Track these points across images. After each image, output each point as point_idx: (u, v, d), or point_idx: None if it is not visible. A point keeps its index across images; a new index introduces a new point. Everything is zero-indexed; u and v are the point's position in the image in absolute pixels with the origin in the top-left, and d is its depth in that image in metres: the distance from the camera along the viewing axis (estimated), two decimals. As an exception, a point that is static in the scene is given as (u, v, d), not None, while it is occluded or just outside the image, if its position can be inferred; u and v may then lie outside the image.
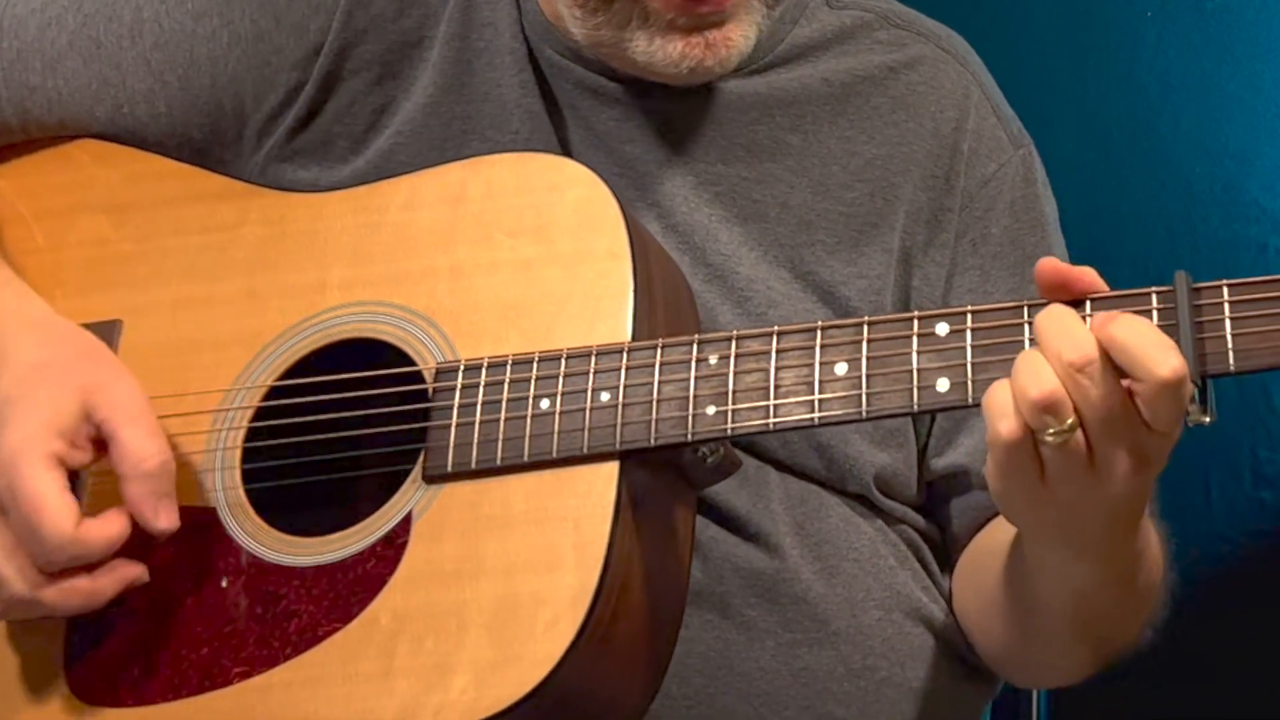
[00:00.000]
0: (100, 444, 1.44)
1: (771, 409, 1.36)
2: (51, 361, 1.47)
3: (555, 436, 1.39)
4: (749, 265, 1.57)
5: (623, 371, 1.39)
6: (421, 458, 1.42)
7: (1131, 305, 1.28)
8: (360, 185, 1.56)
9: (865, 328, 1.36)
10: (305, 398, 1.47)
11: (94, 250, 1.59)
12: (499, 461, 1.40)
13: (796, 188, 1.59)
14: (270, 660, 1.41)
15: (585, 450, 1.38)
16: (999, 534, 1.51)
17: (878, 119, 1.62)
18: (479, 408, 1.41)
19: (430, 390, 1.44)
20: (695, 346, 1.39)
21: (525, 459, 1.39)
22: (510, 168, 1.51)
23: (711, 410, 1.37)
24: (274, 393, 1.49)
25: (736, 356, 1.38)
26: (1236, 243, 2.53)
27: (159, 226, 1.58)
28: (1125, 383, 1.25)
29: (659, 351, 1.39)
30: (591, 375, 1.40)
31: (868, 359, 1.35)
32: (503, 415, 1.41)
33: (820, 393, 1.36)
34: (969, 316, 1.33)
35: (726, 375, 1.38)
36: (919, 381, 1.33)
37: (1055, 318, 1.27)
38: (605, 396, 1.39)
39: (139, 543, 1.47)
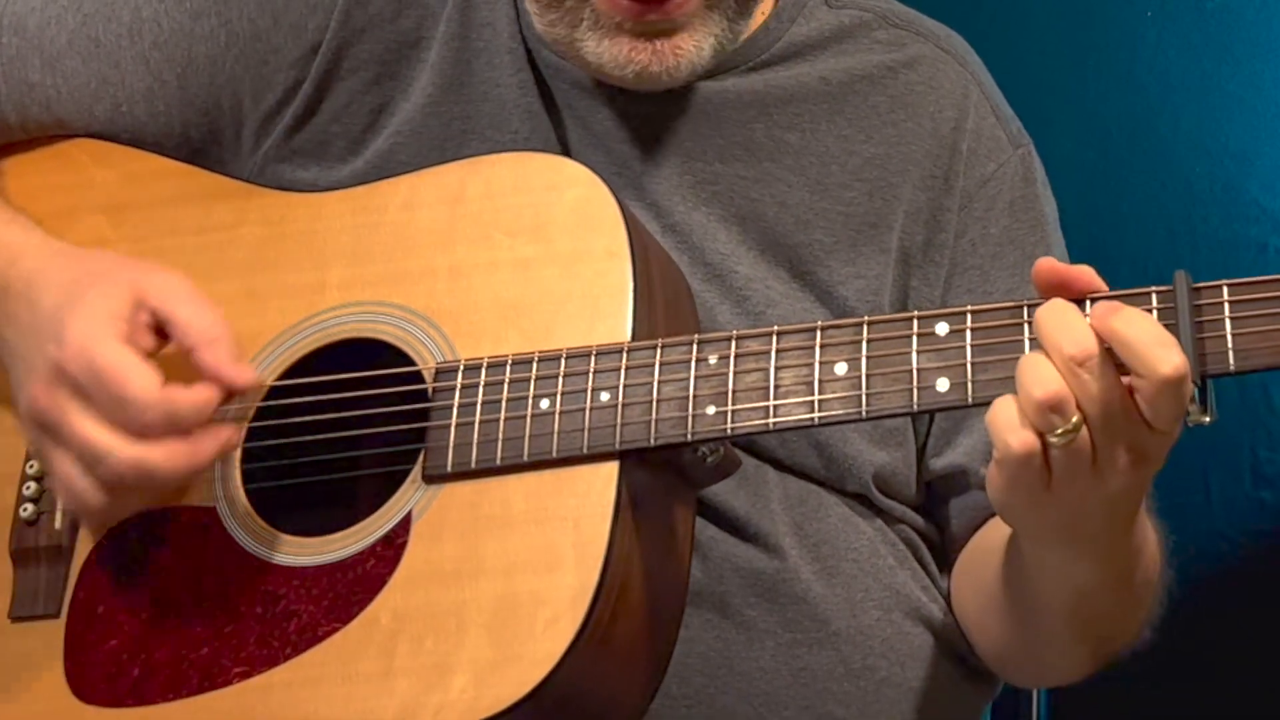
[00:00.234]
0: (160, 333, 1.44)
1: (771, 409, 1.36)
2: (92, 270, 1.47)
3: (555, 436, 1.39)
4: (747, 264, 1.57)
5: (622, 371, 1.39)
6: (421, 458, 1.42)
7: (1131, 305, 1.28)
8: (359, 185, 1.56)
9: (865, 328, 1.36)
10: (305, 398, 1.47)
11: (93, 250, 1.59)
12: (499, 461, 1.40)
13: (795, 187, 1.59)
14: (270, 660, 1.41)
15: (585, 450, 1.38)
16: (997, 533, 1.51)
17: (876, 118, 1.62)
18: (479, 408, 1.41)
19: (430, 390, 1.44)
20: (695, 346, 1.39)
21: (525, 459, 1.39)
22: (509, 167, 1.51)
23: (711, 410, 1.37)
24: (274, 393, 1.49)
25: (736, 356, 1.38)
26: (1236, 243, 2.53)
27: (157, 226, 1.58)
28: (1126, 380, 1.25)
29: (659, 351, 1.39)
30: (591, 375, 1.40)
31: (867, 359, 1.35)
32: (502, 415, 1.41)
33: (820, 393, 1.35)
34: (969, 316, 1.33)
35: (726, 375, 1.38)
36: (919, 381, 1.33)
37: (1055, 313, 1.27)
38: (605, 396, 1.39)
39: (140, 542, 1.47)
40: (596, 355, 1.40)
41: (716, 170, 1.59)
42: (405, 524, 1.41)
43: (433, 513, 1.41)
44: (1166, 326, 1.26)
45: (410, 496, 1.42)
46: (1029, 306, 1.31)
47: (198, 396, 1.41)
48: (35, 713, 1.46)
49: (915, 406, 1.33)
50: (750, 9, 1.55)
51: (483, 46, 1.62)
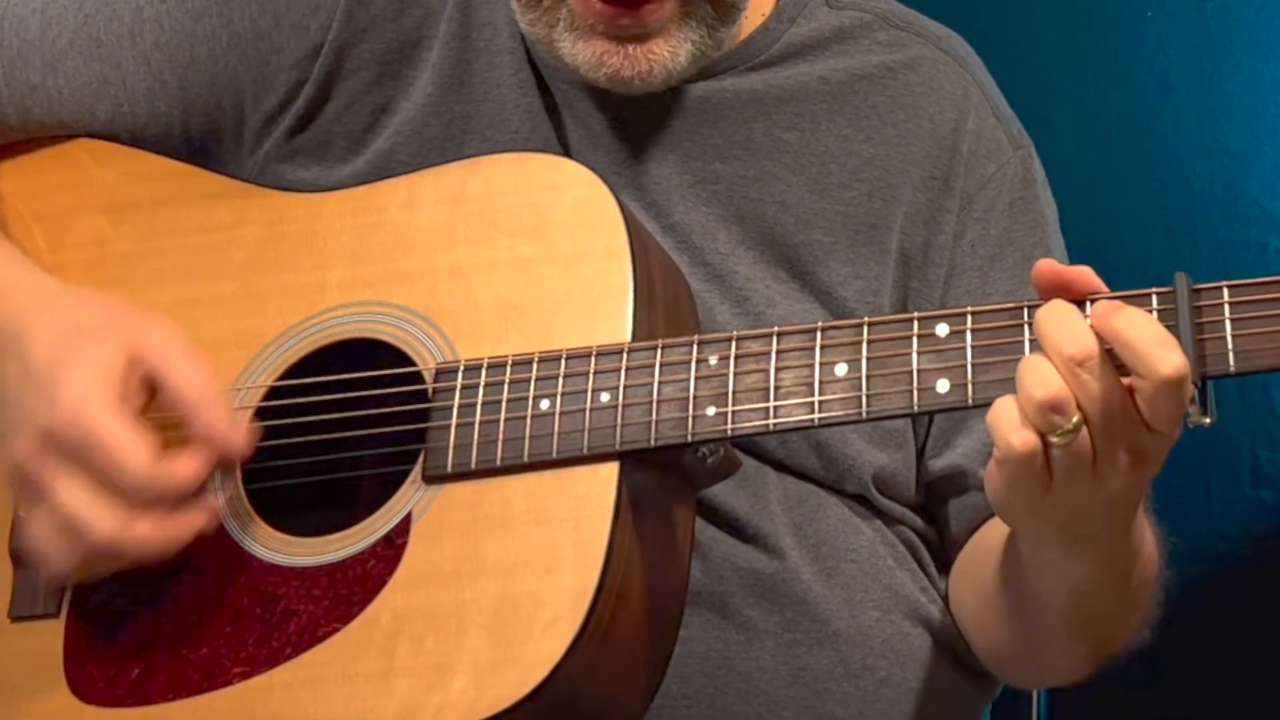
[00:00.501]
0: (151, 390, 1.44)
1: (771, 410, 1.36)
2: (86, 321, 1.46)
3: (555, 437, 1.39)
4: (747, 264, 1.57)
5: (622, 372, 1.39)
6: (421, 458, 1.42)
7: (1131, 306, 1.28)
8: (360, 185, 1.56)
9: (865, 328, 1.36)
10: (305, 398, 1.47)
11: (93, 250, 1.59)
12: (499, 462, 1.40)
13: (794, 186, 1.59)
14: (270, 660, 1.41)
15: (585, 451, 1.38)
16: (996, 533, 1.51)
17: (876, 119, 1.62)
18: (479, 408, 1.41)
19: (430, 390, 1.44)
20: (695, 347, 1.39)
21: (525, 459, 1.39)
22: (509, 167, 1.51)
23: (711, 411, 1.37)
24: (274, 393, 1.49)
25: (736, 357, 1.38)
26: (1236, 243, 2.53)
27: (158, 227, 1.58)
28: (1126, 380, 1.25)
29: (659, 352, 1.39)
30: (591, 376, 1.40)
31: (868, 360, 1.35)
32: (502, 416, 1.41)
33: (820, 394, 1.35)
34: (969, 317, 1.33)
35: (726, 376, 1.38)
36: (919, 383, 1.33)
37: (1055, 313, 1.27)
38: (605, 397, 1.39)
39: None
40: (597, 356, 1.40)
41: (716, 170, 1.59)
42: (405, 524, 1.41)
43: (433, 513, 1.41)
44: (1167, 328, 1.26)
45: (410, 497, 1.42)
46: (1029, 308, 1.31)
47: (188, 470, 1.41)
48: (35, 713, 1.46)
49: (915, 407, 1.33)
50: (734, 16, 1.55)
51: (483, 46, 1.62)
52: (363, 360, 1.47)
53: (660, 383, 1.39)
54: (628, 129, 1.60)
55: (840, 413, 1.35)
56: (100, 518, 1.39)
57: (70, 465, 1.40)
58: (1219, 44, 2.56)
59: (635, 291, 1.42)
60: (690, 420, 1.37)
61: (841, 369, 1.35)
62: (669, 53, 1.52)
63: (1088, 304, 1.29)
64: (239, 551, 1.45)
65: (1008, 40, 2.44)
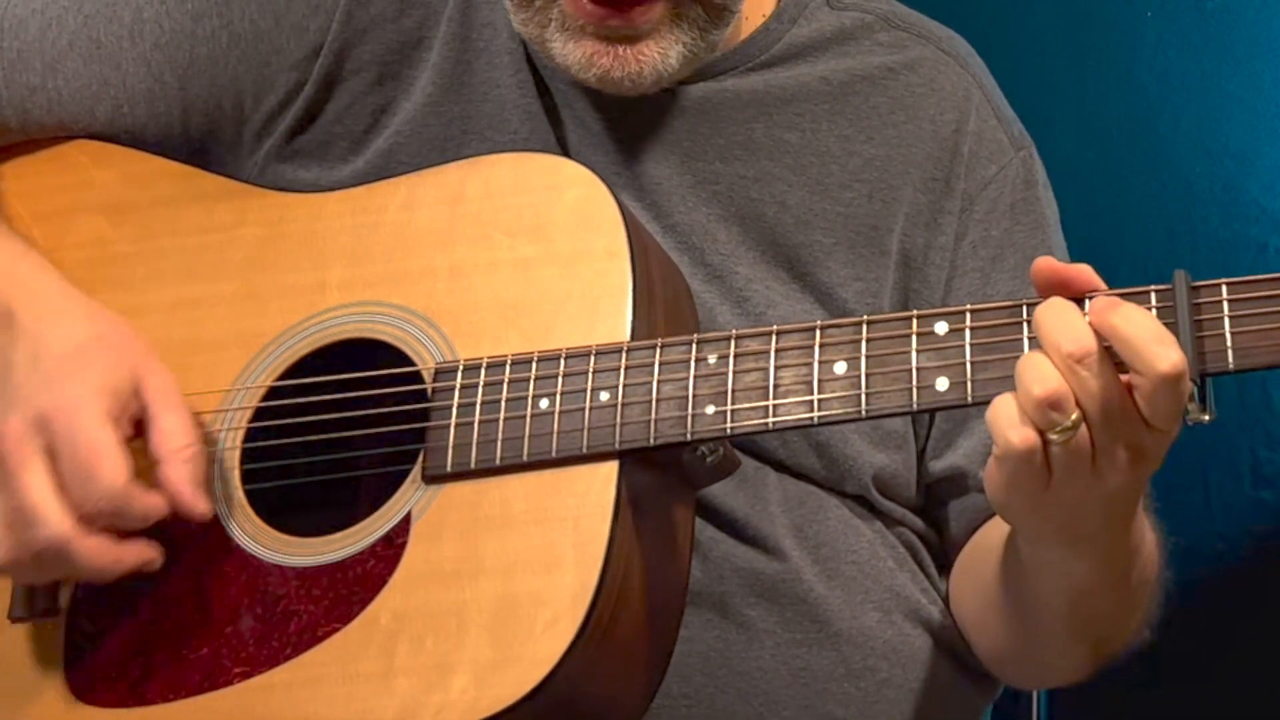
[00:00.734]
0: (138, 426, 1.45)
1: (771, 409, 1.36)
2: (105, 336, 1.47)
3: (554, 436, 1.39)
4: (747, 265, 1.57)
5: (622, 371, 1.39)
6: (421, 458, 1.42)
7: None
8: (359, 185, 1.56)
9: (864, 327, 1.36)
10: (304, 398, 1.47)
11: (93, 251, 1.59)
12: (498, 461, 1.40)
13: (795, 186, 1.59)
14: (270, 660, 1.41)
15: (584, 450, 1.38)
16: (996, 534, 1.51)
17: (877, 119, 1.62)
18: (478, 408, 1.41)
19: (429, 390, 1.44)
20: (694, 346, 1.39)
21: (524, 459, 1.39)
22: (509, 167, 1.51)
23: (711, 410, 1.37)
24: (273, 393, 1.49)
25: (736, 356, 1.38)
26: (1236, 243, 2.53)
27: (157, 227, 1.58)
28: (1125, 377, 1.25)
29: (658, 351, 1.39)
30: (591, 375, 1.40)
31: (867, 358, 1.35)
32: (502, 415, 1.41)
33: (819, 392, 1.36)
34: (968, 316, 1.33)
35: (726, 375, 1.38)
36: (918, 381, 1.33)
37: (1054, 310, 1.27)
38: (604, 396, 1.39)
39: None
40: (596, 355, 1.40)
41: (716, 170, 1.59)
42: (405, 524, 1.41)
43: (432, 513, 1.41)
44: (1166, 325, 1.26)
45: (410, 496, 1.42)
46: (1028, 306, 1.31)
47: (150, 504, 1.41)
48: (35, 713, 1.46)
49: (915, 406, 1.33)
50: (726, 19, 1.55)
51: (483, 47, 1.62)
52: (362, 360, 1.48)
53: (659, 382, 1.39)
54: (627, 129, 1.60)
55: (840, 411, 1.35)
56: (57, 516, 1.40)
57: (45, 458, 1.41)
58: (1219, 44, 2.56)
59: (635, 291, 1.42)
60: (690, 419, 1.37)
61: (841, 367, 1.35)
62: (659, 54, 1.52)
63: (1086, 301, 1.29)
64: (239, 551, 1.45)
65: (1008, 40, 2.44)
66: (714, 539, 1.53)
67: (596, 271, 1.44)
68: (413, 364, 1.45)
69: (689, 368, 1.38)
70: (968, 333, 1.33)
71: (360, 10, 1.63)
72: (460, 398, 1.42)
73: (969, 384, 1.32)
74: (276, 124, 1.64)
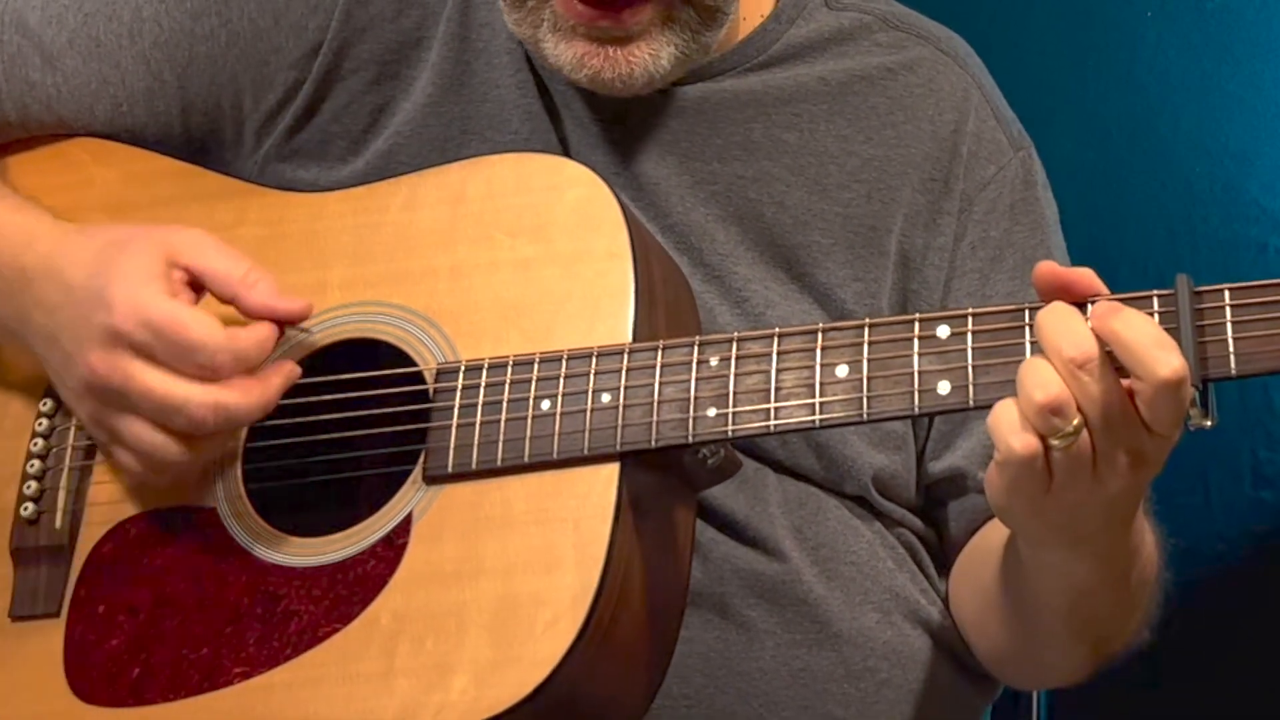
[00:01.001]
0: (195, 290, 1.46)
1: (772, 411, 1.36)
2: (115, 239, 1.48)
3: (556, 438, 1.39)
4: (746, 265, 1.57)
5: (623, 373, 1.39)
6: (422, 458, 1.42)
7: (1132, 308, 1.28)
8: (360, 185, 1.56)
9: (866, 330, 1.36)
10: (306, 398, 1.47)
11: (94, 250, 1.59)
12: (499, 462, 1.40)
13: (793, 187, 1.59)
14: (271, 660, 1.41)
15: (586, 451, 1.38)
16: (995, 535, 1.52)
17: (875, 119, 1.62)
18: (479, 408, 1.41)
19: (431, 391, 1.44)
20: (696, 348, 1.39)
21: (526, 460, 1.39)
22: (510, 168, 1.51)
23: (712, 412, 1.37)
24: (274, 393, 1.49)
25: (737, 358, 1.38)
26: (1236, 243, 2.52)
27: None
28: (1126, 382, 1.25)
29: (660, 353, 1.40)
30: (592, 376, 1.40)
31: (869, 361, 1.35)
32: (503, 416, 1.41)
33: (821, 395, 1.36)
34: (970, 319, 1.33)
35: (727, 377, 1.38)
36: (920, 384, 1.33)
37: (1056, 315, 1.27)
38: (606, 398, 1.39)
39: (141, 542, 1.47)
40: (598, 356, 1.40)
41: (715, 170, 1.59)
42: (406, 524, 1.41)
43: (433, 513, 1.41)
44: (1168, 330, 1.26)
45: (411, 497, 1.42)
46: (1030, 309, 1.31)
47: (259, 333, 1.43)
48: (35, 713, 1.46)
49: (916, 409, 1.33)
50: (719, 20, 1.55)
51: (482, 47, 1.62)
52: (364, 360, 1.48)
53: (661, 383, 1.39)
54: (626, 130, 1.60)
55: (841, 414, 1.35)
56: (192, 394, 1.41)
57: (144, 358, 1.41)
58: (1219, 44, 2.56)
59: (636, 292, 1.42)
60: (691, 421, 1.38)
61: (842, 370, 1.36)
62: (650, 55, 1.52)
63: (1089, 306, 1.29)
64: (240, 551, 1.45)
65: (1008, 40, 2.44)
66: (714, 540, 1.53)
67: (598, 272, 1.44)
68: (414, 364, 1.45)
69: (690, 369, 1.39)
70: (969, 336, 1.33)
71: (359, 9, 1.63)
72: (462, 398, 1.42)
73: (970, 388, 1.32)
74: (276, 123, 1.64)
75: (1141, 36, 2.59)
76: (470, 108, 1.61)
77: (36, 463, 1.52)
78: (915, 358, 1.34)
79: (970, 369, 1.32)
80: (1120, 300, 1.29)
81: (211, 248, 1.46)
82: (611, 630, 1.36)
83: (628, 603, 1.37)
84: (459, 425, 1.41)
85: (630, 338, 1.41)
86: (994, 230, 1.61)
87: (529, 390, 1.41)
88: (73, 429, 1.52)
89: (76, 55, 1.64)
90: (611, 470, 1.38)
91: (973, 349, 1.32)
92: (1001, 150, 1.64)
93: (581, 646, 1.34)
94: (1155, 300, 1.29)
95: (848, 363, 1.36)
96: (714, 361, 1.39)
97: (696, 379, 1.38)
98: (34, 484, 1.52)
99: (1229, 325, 1.26)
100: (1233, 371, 1.26)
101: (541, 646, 1.34)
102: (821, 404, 1.35)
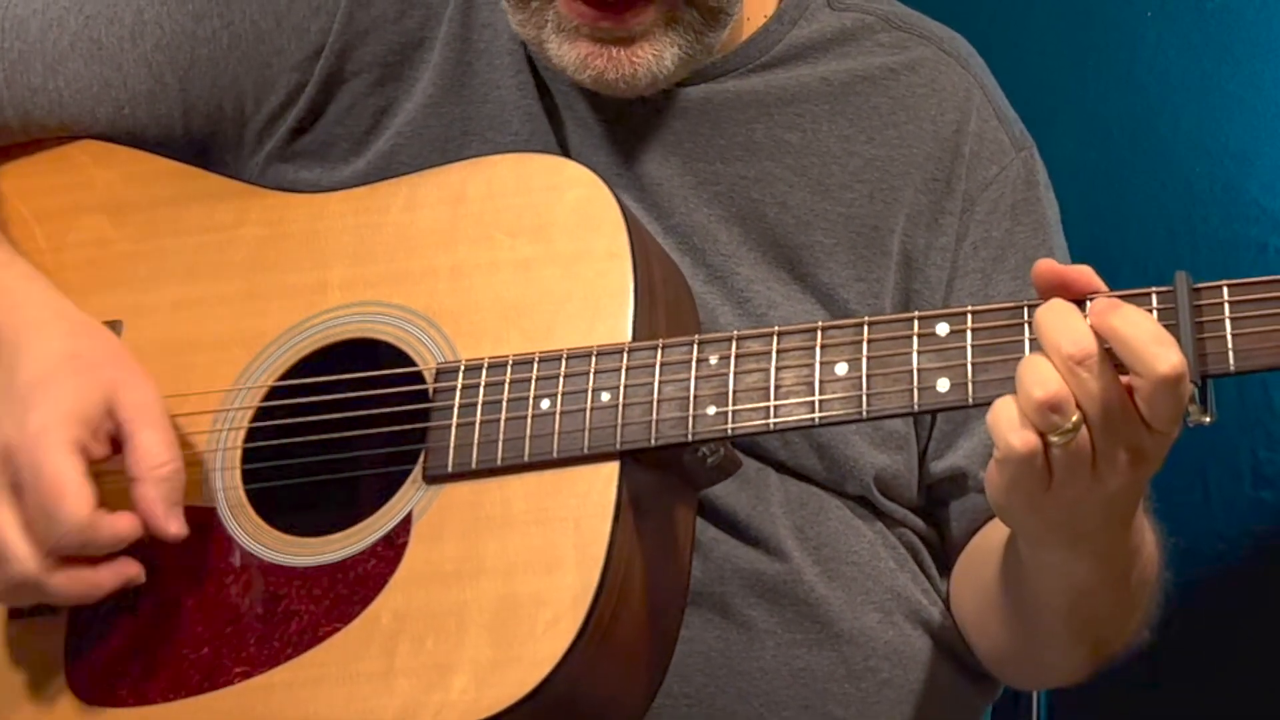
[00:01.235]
0: (116, 443, 1.45)
1: (772, 409, 1.36)
2: (80, 353, 1.47)
3: (556, 437, 1.39)
4: (748, 266, 1.57)
5: (623, 372, 1.40)
6: (422, 458, 1.42)
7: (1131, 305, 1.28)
8: (361, 186, 1.56)
9: (865, 328, 1.36)
10: (306, 398, 1.47)
11: (94, 251, 1.59)
12: (499, 462, 1.40)
13: (795, 187, 1.59)
14: (271, 660, 1.41)
15: (586, 450, 1.38)
16: (996, 535, 1.52)
17: (877, 119, 1.62)
18: (479, 408, 1.41)
19: (431, 390, 1.44)
20: (695, 347, 1.39)
21: (526, 459, 1.39)
22: (510, 168, 1.51)
23: (712, 410, 1.38)
24: (274, 393, 1.49)
25: (737, 357, 1.38)
26: (1236, 243, 2.53)
27: (159, 227, 1.58)
28: (1125, 379, 1.25)
29: (659, 352, 1.40)
30: (592, 375, 1.40)
31: (868, 359, 1.35)
32: (503, 415, 1.41)
33: (821, 393, 1.36)
34: (969, 317, 1.33)
35: (727, 375, 1.38)
36: (919, 382, 1.33)
37: (1055, 312, 1.27)
38: (606, 397, 1.39)
39: (141, 541, 1.47)
40: (597, 355, 1.41)
41: (717, 170, 1.59)
42: (406, 524, 1.41)
43: (433, 513, 1.41)
44: (1167, 327, 1.26)
45: (411, 497, 1.42)
46: (1029, 307, 1.31)
47: (120, 525, 1.41)
48: (35, 712, 1.46)
49: (916, 407, 1.33)
50: (722, 21, 1.55)
51: (484, 48, 1.63)
52: (364, 360, 1.48)
53: (661, 382, 1.39)
54: (628, 130, 1.60)
55: (841, 412, 1.35)
56: (24, 553, 1.41)
57: (11, 494, 1.42)
58: (1219, 44, 2.56)
59: (636, 292, 1.42)
60: (691, 420, 1.38)
61: (842, 368, 1.36)
62: (653, 56, 1.52)
63: (1087, 303, 1.29)
64: (240, 551, 1.45)
65: (1008, 40, 2.43)
66: (715, 539, 1.53)
67: (597, 272, 1.44)
68: (414, 364, 1.45)
69: (690, 368, 1.39)
70: (969, 334, 1.33)
71: (361, 11, 1.63)
72: (462, 398, 1.42)
73: (970, 385, 1.32)
74: (278, 125, 1.64)
75: (1141, 36, 2.59)
76: (471, 108, 1.62)
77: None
78: (914, 355, 1.34)
79: (969, 366, 1.32)
80: (1119, 297, 1.29)
81: (152, 418, 1.44)
82: (612, 630, 1.36)
83: (628, 602, 1.37)
84: (459, 425, 1.41)
85: (630, 337, 1.41)
86: (996, 230, 1.61)
87: (529, 389, 1.41)
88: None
89: (78, 58, 1.64)
90: (611, 469, 1.38)
91: (972, 346, 1.32)
92: (1004, 150, 1.64)
93: (582, 646, 1.34)
94: (1154, 297, 1.29)
95: (847, 361, 1.36)
96: (713, 360, 1.39)
97: (696, 377, 1.38)
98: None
99: (1228, 322, 1.26)
100: (1231, 367, 1.26)
101: (542, 646, 1.34)
102: (821, 402, 1.35)
